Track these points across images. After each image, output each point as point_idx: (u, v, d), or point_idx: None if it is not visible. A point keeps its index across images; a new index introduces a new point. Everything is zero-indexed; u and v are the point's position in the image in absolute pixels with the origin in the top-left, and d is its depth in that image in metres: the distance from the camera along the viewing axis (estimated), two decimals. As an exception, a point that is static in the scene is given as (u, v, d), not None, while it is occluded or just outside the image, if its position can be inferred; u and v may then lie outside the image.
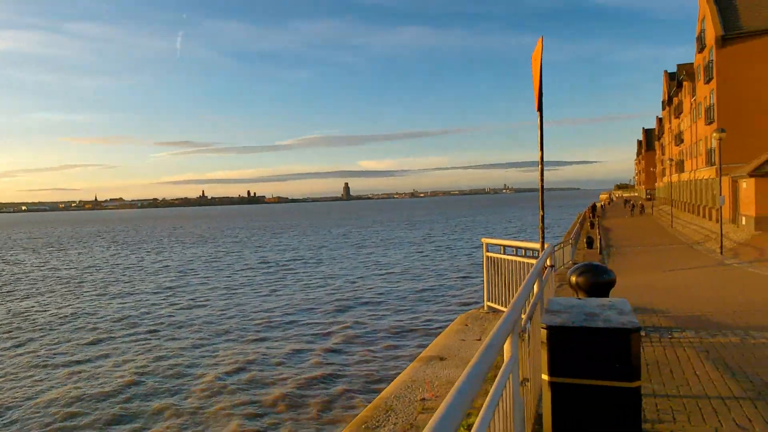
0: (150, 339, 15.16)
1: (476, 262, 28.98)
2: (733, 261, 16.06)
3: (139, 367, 12.44)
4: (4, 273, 32.82)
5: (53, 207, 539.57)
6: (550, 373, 2.83)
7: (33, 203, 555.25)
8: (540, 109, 5.50)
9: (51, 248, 52.74)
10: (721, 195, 19.43)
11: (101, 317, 18.47)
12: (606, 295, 4.76)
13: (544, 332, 2.89)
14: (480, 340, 6.48)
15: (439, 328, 13.85)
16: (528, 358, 3.04)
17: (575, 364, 2.78)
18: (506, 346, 2.38)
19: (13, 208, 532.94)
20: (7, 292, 25.07)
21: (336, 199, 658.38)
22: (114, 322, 17.63)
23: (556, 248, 14.05)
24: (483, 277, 7.71)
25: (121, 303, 21.06)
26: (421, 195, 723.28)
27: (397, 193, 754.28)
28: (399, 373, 6.14)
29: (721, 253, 18.27)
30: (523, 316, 2.74)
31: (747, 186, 21.85)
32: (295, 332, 15.29)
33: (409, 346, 13.16)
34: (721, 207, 19.56)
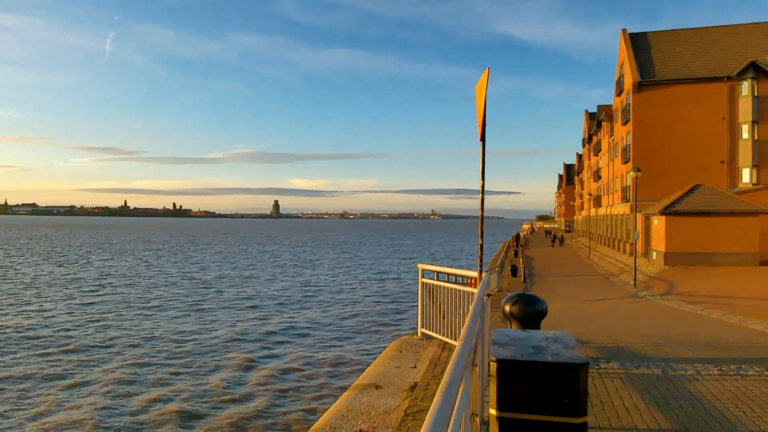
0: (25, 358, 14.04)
1: (406, 287, 29.15)
2: (646, 293, 17.03)
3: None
4: None
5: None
6: (499, 408, 2.80)
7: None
8: (483, 138, 5.60)
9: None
10: (636, 230, 20.67)
11: None
12: (538, 324, 4.84)
13: (493, 365, 2.86)
14: (415, 367, 6.41)
15: (371, 354, 13.71)
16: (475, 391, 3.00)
17: (524, 399, 2.76)
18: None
19: None
20: None
21: (265, 216, 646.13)
22: None
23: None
24: (417, 302, 7.71)
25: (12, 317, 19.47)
26: (351, 216, 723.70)
27: (327, 213, 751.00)
28: (332, 403, 5.97)
29: (635, 285, 19.35)
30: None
31: (658, 223, 23.38)
32: (216, 360, 14.62)
33: (340, 373, 12.88)
34: (635, 242, 20.79)
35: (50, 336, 16.61)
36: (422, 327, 7.65)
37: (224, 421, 9.75)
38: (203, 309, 22.30)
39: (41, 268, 37.83)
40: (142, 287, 28.25)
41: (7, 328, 17.67)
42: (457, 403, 2.31)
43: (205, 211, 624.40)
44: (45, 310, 20.98)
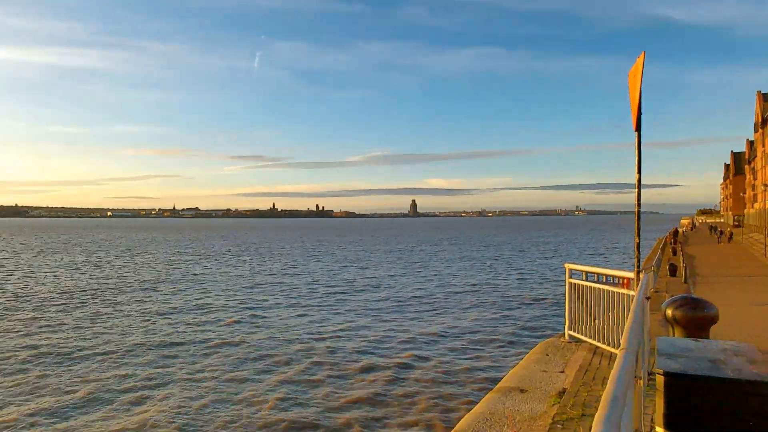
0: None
1: (549, 287, 27.97)
2: (841, 298, 14.52)
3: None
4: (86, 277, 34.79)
5: (135, 214, 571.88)
6: (667, 427, 2.49)
7: (117, 210, 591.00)
8: (638, 128, 5.12)
9: (136, 253, 55.67)
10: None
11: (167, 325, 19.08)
12: (706, 332, 4.31)
13: (659, 378, 2.56)
14: (563, 372, 6.06)
15: (513, 357, 13.31)
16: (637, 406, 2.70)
17: (698, 419, 2.43)
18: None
19: (100, 213, 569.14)
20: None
21: (403, 215, 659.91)
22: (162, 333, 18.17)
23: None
24: (565, 304, 7.30)
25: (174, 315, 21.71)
26: (489, 214, 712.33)
27: (464, 212, 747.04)
28: (472, 405, 5.85)
29: (827, 288, 16.61)
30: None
31: None
32: (357, 346, 15.15)
33: (480, 375, 12.67)
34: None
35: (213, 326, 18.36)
36: (570, 329, 7.22)
37: (361, 418, 10.03)
38: (341, 310, 23.19)
39: (203, 264, 42.16)
40: (288, 285, 30.17)
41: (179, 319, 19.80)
42: (622, 420, 2.09)
43: (346, 212, 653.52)
44: (212, 303, 23.26)
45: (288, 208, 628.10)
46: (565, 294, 7.26)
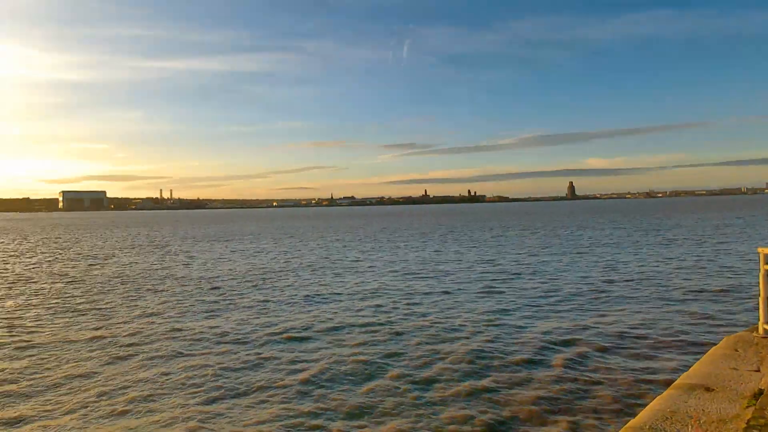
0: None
1: (736, 276, 24.86)
2: None
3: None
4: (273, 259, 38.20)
5: (297, 203, 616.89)
6: None
7: (282, 200, 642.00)
8: None
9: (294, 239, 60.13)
10: None
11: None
12: None
13: None
14: (759, 371, 5.31)
15: (694, 353, 12.05)
16: None
17: None
18: None
19: (267, 204, 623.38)
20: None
21: (559, 198, 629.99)
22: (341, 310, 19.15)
23: None
24: (759, 293, 6.39)
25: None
26: (659, 195, 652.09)
27: (629, 193, 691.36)
28: (646, 401, 5.36)
29: None
30: None
31: None
32: (516, 339, 14.80)
33: (658, 366, 11.67)
34: None
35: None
36: (766, 323, 6.31)
37: (530, 414, 9.78)
38: (496, 300, 22.74)
39: (359, 249, 44.13)
40: (441, 271, 30.33)
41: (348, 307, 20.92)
42: None
43: (499, 196, 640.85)
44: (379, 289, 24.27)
45: (440, 194, 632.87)
46: (759, 282, 6.35)
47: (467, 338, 15.00)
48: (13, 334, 16.76)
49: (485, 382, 11.30)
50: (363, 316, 18.29)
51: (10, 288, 26.63)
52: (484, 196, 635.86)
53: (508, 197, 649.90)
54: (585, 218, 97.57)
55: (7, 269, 35.09)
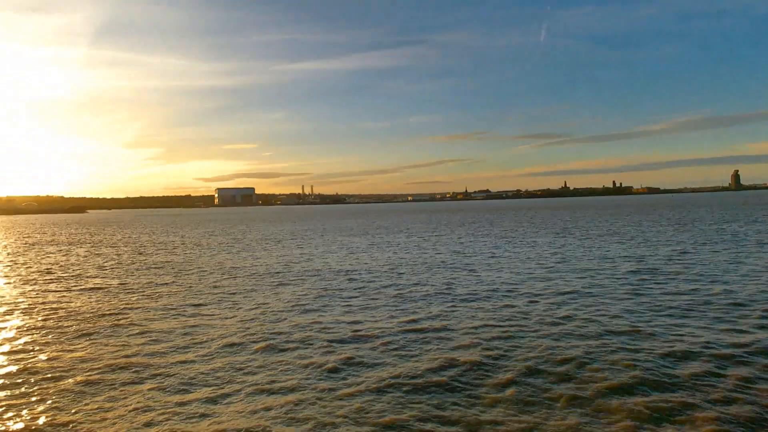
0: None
1: None
2: None
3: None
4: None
5: (431, 197, 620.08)
6: None
7: (416, 194, 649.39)
8: None
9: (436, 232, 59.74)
10: None
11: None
12: None
13: None
14: None
15: None
16: None
17: None
18: None
19: (401, 198, 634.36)
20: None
21: (721, 189, 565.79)
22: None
23: None
24: None
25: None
26: None
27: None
28: None
29: None
30: None
31: None
32: (684, 348, 12.71)
33: None
34: None
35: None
36: None
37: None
38: (656, 305, 20.23)
39: (495, 244, 42.36)
40: (593, 270, 27.94)
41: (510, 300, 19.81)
42: None
43: (648, 188, 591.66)
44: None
45: (581, 186, 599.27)
46: None
47: (615, 341, 13.21)
48: (199, 311, 18.00)
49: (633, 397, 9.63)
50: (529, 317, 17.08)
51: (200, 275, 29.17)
52: (631, 187, 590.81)
53: (659, 188, 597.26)
54: (759, 211, 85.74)
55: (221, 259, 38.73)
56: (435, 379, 11.60)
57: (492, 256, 34.46)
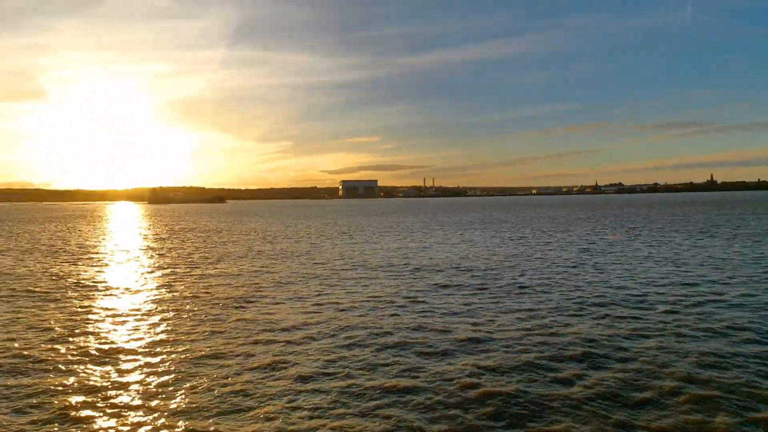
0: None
1: None
2: None
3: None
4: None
5: (557, 191, 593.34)
6: None
7: (541, 187, 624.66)
8: None
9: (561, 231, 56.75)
10: None
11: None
12: None
13: None
14: None
15: None
16: None
17: None
18: None
19: (525, 191, 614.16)
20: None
21: None
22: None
23: None
24: None
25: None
26: None
27: None
28: None
29: None
30: None
31: None
32: None
33: None
34: None
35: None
36: None
37: None
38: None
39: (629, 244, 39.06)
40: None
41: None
42: None
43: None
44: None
45: (730, 180, 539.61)
46: None
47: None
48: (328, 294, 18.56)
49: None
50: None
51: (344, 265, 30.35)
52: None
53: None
54: None
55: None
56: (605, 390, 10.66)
57: (623, 255, 31.82)
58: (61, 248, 43.57)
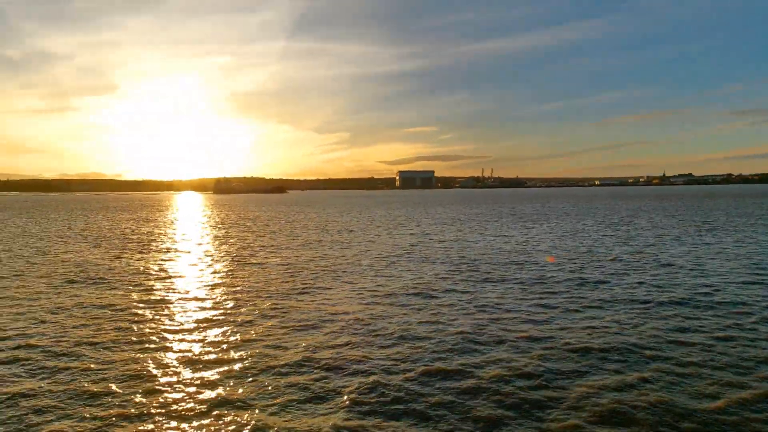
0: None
1: None
2: None
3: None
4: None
5: (622, 182, 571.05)
6: None
7: (605, 178, 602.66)
8: None
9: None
10: None
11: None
12: None
13: None
14: None
15: None
16: None
17: None
18: None
19: (588, 182, 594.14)
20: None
21: None
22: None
23: None
24: None
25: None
26: None
27: None
28: None
29: None
30: None
31: None
32: None
33: None
34: None
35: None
36: None
37: None
38: None
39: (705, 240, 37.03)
40: None
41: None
42: None
43: None
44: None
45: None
46: None
47: None
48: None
49: None
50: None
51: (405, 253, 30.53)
52: None
53: None
54: None
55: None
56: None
57: (693, 250, 30.14)
58: (135, 237, 45.73)
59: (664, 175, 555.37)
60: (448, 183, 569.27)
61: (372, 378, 11.30)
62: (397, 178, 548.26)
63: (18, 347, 13.63)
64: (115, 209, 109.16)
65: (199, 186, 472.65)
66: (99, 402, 10.33)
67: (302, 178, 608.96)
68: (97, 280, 23.56)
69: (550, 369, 11.66)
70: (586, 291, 19.78)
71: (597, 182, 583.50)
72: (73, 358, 12.83)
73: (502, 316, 16.20)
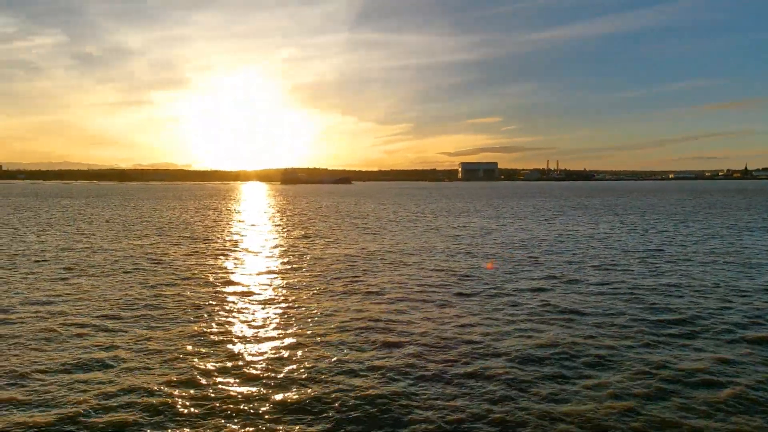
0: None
1: None
2: None
3: None
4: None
5: (699, 175, 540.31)
6: None
7: (680, 171, 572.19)
8: None
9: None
10: None
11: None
12: None
13: None
14: None
15: None
16: None
17: None
18: None
19: (661, 176, 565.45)
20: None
21: None
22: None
23: None
24: None
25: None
26: None
27: None
28: None
29: None
30: None
31: None
32: None
33: None
34: None
35: None
36: None
37: None
38: None
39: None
40: None
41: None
42: None
43: None
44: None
45: None
46: None
47: None
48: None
49: None
50: None
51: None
52: None
53: None
54: None
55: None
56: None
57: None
58: (208, 223, 47.70)
59: (746, 168, 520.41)
60: (511, 175, 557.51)
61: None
62: (460, 170, 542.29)
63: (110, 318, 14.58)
64: (201, 197, 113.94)
65: (264, 177, 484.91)
66: (156, 395, 10.95)
67: (364, 169, 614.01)
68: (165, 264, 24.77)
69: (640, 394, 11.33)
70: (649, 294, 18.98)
71: (671, 175, 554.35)
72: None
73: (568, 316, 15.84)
